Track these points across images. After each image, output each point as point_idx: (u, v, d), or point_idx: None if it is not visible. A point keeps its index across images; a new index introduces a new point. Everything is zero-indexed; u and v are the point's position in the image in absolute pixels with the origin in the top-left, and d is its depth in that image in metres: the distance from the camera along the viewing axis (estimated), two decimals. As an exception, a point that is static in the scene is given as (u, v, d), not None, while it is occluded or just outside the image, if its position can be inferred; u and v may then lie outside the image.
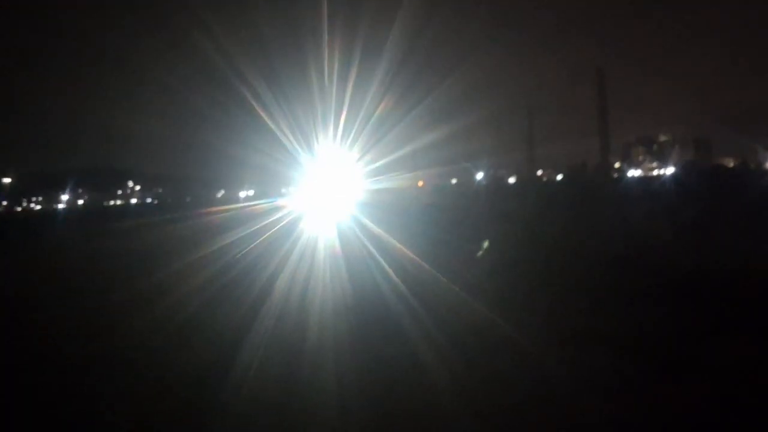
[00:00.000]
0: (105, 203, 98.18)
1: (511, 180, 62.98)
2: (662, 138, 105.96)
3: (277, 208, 37.42)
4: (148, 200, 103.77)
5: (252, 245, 20.25)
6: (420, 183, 53.09)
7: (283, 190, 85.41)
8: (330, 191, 40.64)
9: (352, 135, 40.14)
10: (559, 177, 65.74)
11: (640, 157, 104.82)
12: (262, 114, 40.49)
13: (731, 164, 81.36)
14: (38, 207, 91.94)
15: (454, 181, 62.96)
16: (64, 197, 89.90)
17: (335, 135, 39.20)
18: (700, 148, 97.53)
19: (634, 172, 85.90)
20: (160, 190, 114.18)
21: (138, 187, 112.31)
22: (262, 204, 43.96)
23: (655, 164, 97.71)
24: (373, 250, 17.31)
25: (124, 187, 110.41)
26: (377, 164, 44.30)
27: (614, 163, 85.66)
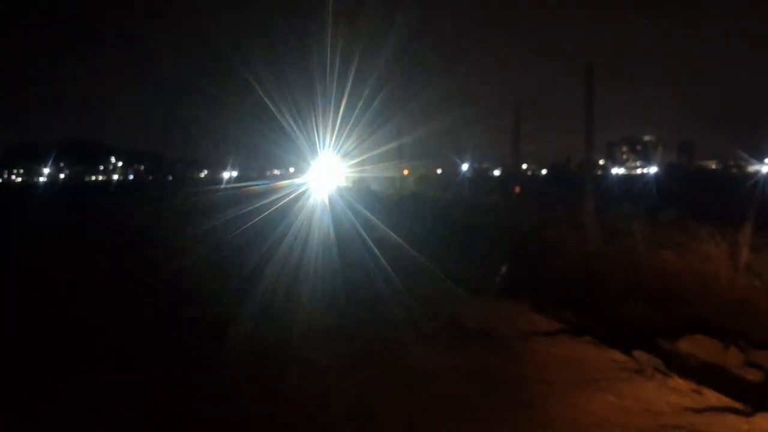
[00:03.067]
0: (86, 178, 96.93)
1: (496, 173, 63.43)
2: (646, 138, 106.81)
3: (275, 190, 37.34)
4: (130, 177, 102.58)
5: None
6: (405, 172, 53.18)
7: (268, 173, 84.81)
8: (323, 176, 40.79)
9: (349, 125, 40.24)
10: (544, 172, 66.46)
11: (624, 156, 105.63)
12: (259, 90, 40.24)
13: (713, 166, 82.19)
14: (19, 179, 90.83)
15: (439, 171, 63.27)
16: (46, 170, 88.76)
17: (334, 123, 39.22)
18: (683, 150, 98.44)
19: (617, 170, 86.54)
20: (142, 168, 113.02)
21: (120, 164, 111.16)
22: (259, 186, 43.35)
23: (638, 163, 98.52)
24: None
25: (106, 162, 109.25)
26: (370, 154, 44.64)
27: (598, 160, 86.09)
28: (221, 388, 6.75)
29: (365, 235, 18.45)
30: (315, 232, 20.40)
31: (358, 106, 39.34)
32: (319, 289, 11.93)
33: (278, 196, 34.39)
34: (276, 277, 12.67)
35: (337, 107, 38.16)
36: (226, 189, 43.88)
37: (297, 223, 22.70)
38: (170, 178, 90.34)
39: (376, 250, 15.60)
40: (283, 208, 28.70)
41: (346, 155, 43.00)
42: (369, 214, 24.39)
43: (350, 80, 36.98)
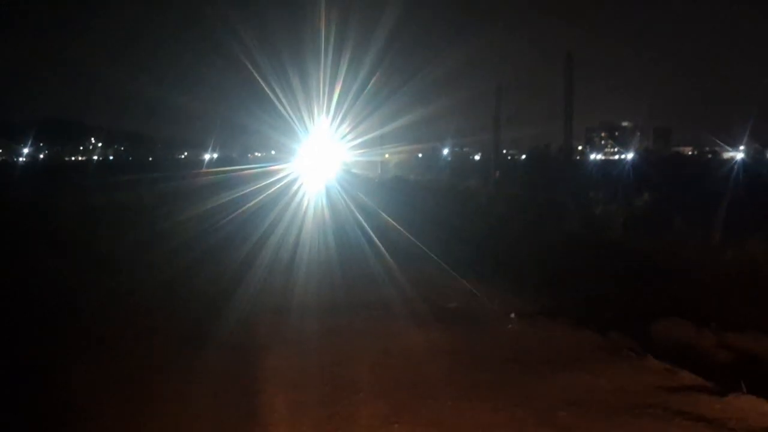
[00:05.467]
0: (65, 158, 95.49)
1: (476, 157, 63.63)
2: (624, 124, 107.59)
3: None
4: (110, 158, 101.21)
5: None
6: (386, 156, 53.80)
7: (250, 155, 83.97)
8: (313, 160, 41.11)
9: (342, 113, 40.32)
10: (523, 157, 66.80)
11: (602, 142, 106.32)
12: (249, 67, 39.85)
13: (689, 153, 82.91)
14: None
15: (420, 155, 63.31)
16: (25, 150, 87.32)
17: (327, 110, 39.25)
18: (659, 136, 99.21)
19: (595, 156, 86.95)
20: (122, 148, 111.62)
21: (99, 144, 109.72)
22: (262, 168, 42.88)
23: (616, 149, 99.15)
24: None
25: (85, 142, 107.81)
26: (358, 141, 45.07)
27: (577, 146, 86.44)
28: (211, 366, 6.84)
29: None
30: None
31: (349, 96, 39.48)
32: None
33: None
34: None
35: (329, 93, 38.18)
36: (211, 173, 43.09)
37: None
38: (150, 159, 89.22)
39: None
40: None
41: (334, 139, 43.02)
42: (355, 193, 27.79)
43: (341, 69, 37.09)
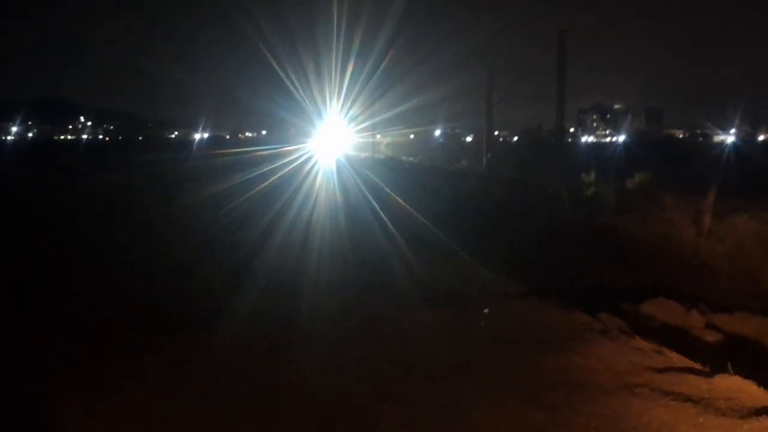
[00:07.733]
0: (54, 137, 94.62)
1: (468, 138, 63.38)
2: (616, 106, 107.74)
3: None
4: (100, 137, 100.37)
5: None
6: (378, 137, 54.13)
7: (241, 135, 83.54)
8: (313, 141, 41.70)
9: (350, 101, 40.53)
10: (515, 138, 66.80)
11: (594, 124, 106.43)
12: (255, 43, 39.75)
13: (680, 135, 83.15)
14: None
15: (411, 136, 63.06)
16: (14, 129, 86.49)
17: (338, 98, 39.44)
18: (651, 118, 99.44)
19: (587, 138, 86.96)
20: (112, 127, 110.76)
21: (89, 123, 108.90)
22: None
23: (607, 131, 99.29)
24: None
25: (74, 121, 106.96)
26: (358, 126, 45.54)
27: (569, 128, 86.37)
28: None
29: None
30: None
31: (356, 85, 39.63)
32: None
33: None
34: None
35: (341, 83, 38.33)
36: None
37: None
38: (141, 138, 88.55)
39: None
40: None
41: (334, 122, 43.23)
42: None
43: (351, 56, 37.12)
